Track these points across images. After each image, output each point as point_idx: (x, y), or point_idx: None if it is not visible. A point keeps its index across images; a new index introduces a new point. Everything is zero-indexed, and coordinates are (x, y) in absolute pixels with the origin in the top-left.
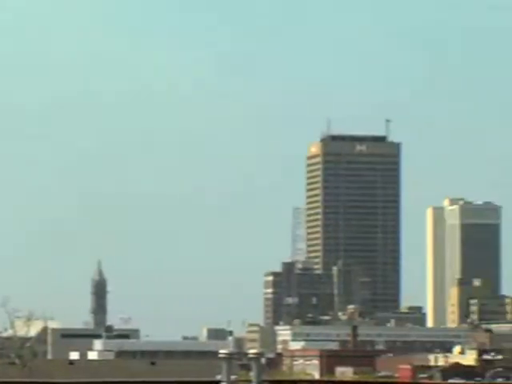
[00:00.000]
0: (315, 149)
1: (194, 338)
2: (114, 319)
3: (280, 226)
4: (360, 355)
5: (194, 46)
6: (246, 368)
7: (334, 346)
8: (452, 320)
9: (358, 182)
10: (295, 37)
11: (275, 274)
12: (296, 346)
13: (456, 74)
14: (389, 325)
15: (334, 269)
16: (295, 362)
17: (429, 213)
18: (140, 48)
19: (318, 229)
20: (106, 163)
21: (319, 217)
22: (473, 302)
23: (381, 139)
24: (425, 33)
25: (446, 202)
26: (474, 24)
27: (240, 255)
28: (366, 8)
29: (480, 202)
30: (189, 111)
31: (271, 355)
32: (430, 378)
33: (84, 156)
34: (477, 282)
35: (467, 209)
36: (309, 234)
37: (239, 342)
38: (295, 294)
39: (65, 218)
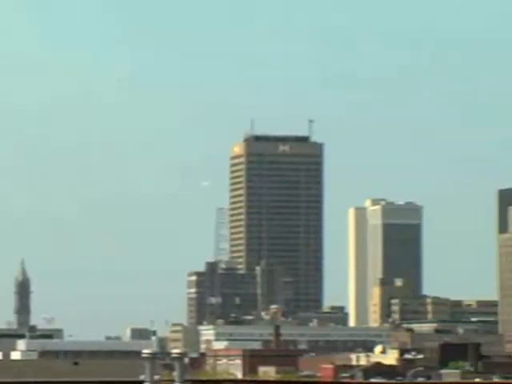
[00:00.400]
0: (238, 149)
1: (118, 338)
2: (37, 319)
3: (203, 226)
4: (283, 355)
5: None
6: (170, 368)
7: (257, 345)
8: (374, 320)
9: (280, 182)
10: (219, 37)
11: (198, 274)
12: (219, 345)
13: (372, 73)
14: (311, 324)
15: (257, 269)
16: (218, 362)
17: (351, 213)
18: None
19: (242, 229)
20: None
21: (242, 217)
22: (394, 301)
23: (304, 139)
24: (339, 33)
25: (368, 203)
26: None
27: (163, 255)
28: (277, 8)
29: (401, 203)
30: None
31: (194, 355)
32: (352, 377)
33: None
34: (398, 282)
35: (389, 209)
36: (232, 233)
37: (162, 342)
38: (218, 293)
39: None
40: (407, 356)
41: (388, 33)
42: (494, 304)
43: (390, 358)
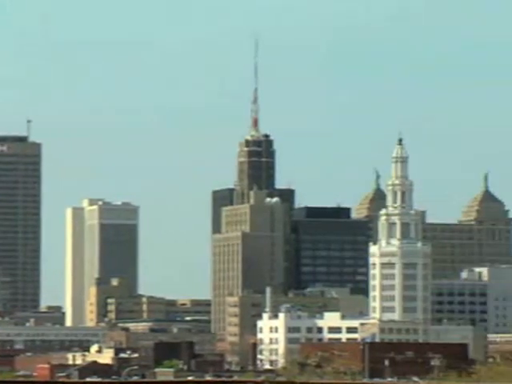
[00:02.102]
0: None
1: None
2: None
3: None
4: None
5: None
6: None
7: None
8: (90, 319)
9: None
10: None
11: None
12: None
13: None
14: (28, 324)
15: None
16: None
17: (68, 213)
18: None
19: None
20: None
21: None
22: (110, 301)
23: (22, 139)
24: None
25: (85, 203)
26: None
27: None
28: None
29: (118, 203)
30: None
31: None
32: (68, 376)
33: None
34: (114, 282)
35: (105, 209)
36: None
37: None
38: None
39: None
40: (122, 355)
41: None
42: (207, 303)
43: (106, 357)
